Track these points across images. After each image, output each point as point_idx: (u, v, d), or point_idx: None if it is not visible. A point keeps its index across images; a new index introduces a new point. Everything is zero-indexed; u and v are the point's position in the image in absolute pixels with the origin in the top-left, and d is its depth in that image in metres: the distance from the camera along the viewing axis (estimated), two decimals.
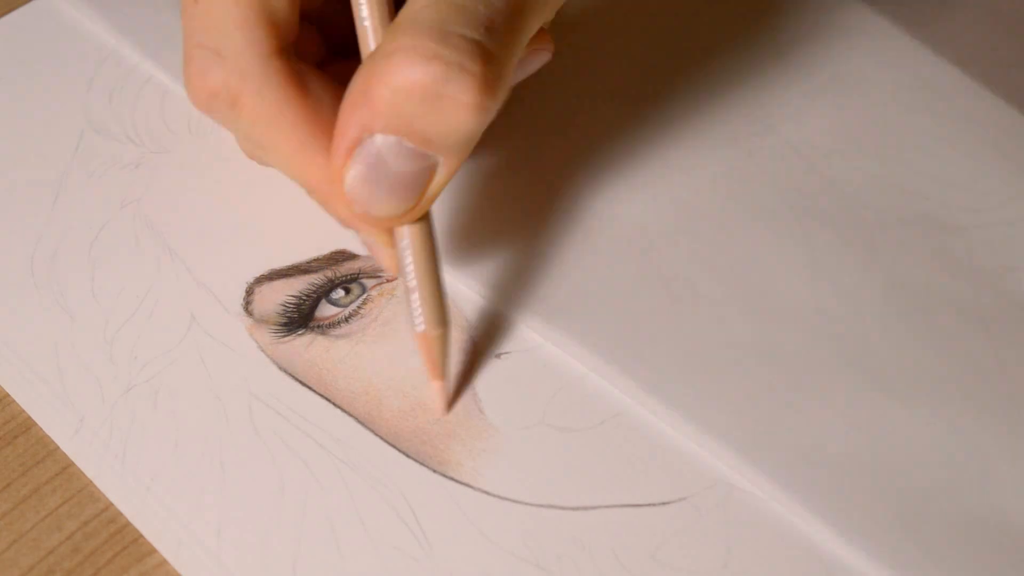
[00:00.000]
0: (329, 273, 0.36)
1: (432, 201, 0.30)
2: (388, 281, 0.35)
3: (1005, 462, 0.32)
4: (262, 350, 0.34)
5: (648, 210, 0.37)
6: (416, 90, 0.28)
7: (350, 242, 0.36)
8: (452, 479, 0.32)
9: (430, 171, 0.29)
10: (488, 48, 0.28)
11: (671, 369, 0.33)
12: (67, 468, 0.32)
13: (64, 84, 0.40)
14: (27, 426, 0.33)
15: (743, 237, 0.36)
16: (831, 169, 0.38)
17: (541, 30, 0.33)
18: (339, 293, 0.35)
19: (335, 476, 0.32)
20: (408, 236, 0.31)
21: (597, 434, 0.32)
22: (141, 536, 0.31)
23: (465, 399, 0.33)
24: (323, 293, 0.35)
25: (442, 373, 0.32)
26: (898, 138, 0.39)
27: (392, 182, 0.29)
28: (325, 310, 0.35)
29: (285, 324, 0.35)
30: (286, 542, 0.31)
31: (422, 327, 0.31)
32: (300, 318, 0.35)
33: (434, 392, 0.33)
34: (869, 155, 0.39)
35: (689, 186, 0.38)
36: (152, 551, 0.31)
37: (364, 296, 0.35)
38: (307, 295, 0.35)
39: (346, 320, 0.35)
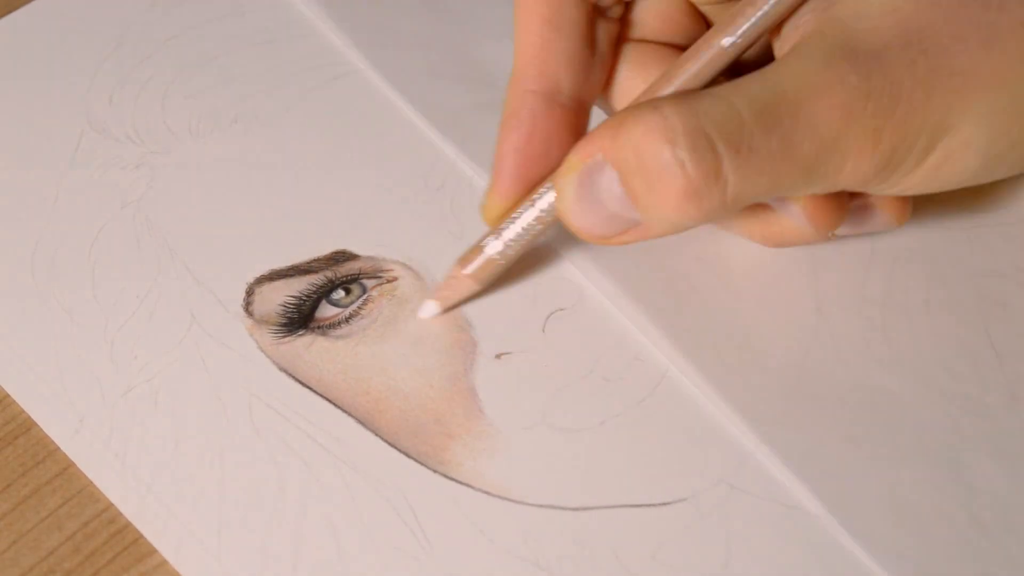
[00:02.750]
0: (329, 273, 0.36)
1: (624, 244, 0.31)
2: (388, 281, 0.35)
3: (986, 455, 0.32)
4: (262, 350, 0.34)
5: None
6: (644, 155, 0.28)
7: (350, 242, 0.36)
8: (452, 479, 0.32)
9: (629, 223, 0.30)
10: (722, 167, 0.28)
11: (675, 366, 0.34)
12: (67, 468, 0.32)
13: (64, 85, 0.40)
14: (27, 426, 0.33)
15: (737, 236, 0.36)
16: None
17: (904, 200, 0.33)
18: (339, 293, 0.35)
19: (335, 476, 0.32)
20: (537, 215, 0.33)
21: (597, 434, 0.32)
22: (141, 536, 0.31)
23: (465, 399, 0.33)
24: (323, 293, 0.35)
25: (443, 301, 0.34)
26: None
27: (596, 208, 0.30)
28: (325, 310, 0.35)
29: (285, 324, 0.35)
30: (286, 542, 0.31)
31: (468, 271, 0.34)
32: (300, 318, 0.35)
33: (427, 303, 0.35)
34: None
35: None
36: (152, 551, 0.31)
37: (364, 296, 0.35)
38: (307, 295, 0.35)
39: (347, 320, 0.35)
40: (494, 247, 0.33)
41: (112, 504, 0.32)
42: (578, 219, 0.31)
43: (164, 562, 0.31)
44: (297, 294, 0.35)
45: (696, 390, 0.33)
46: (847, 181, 0.29)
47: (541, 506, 0.31)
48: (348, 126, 0.39)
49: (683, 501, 0.31)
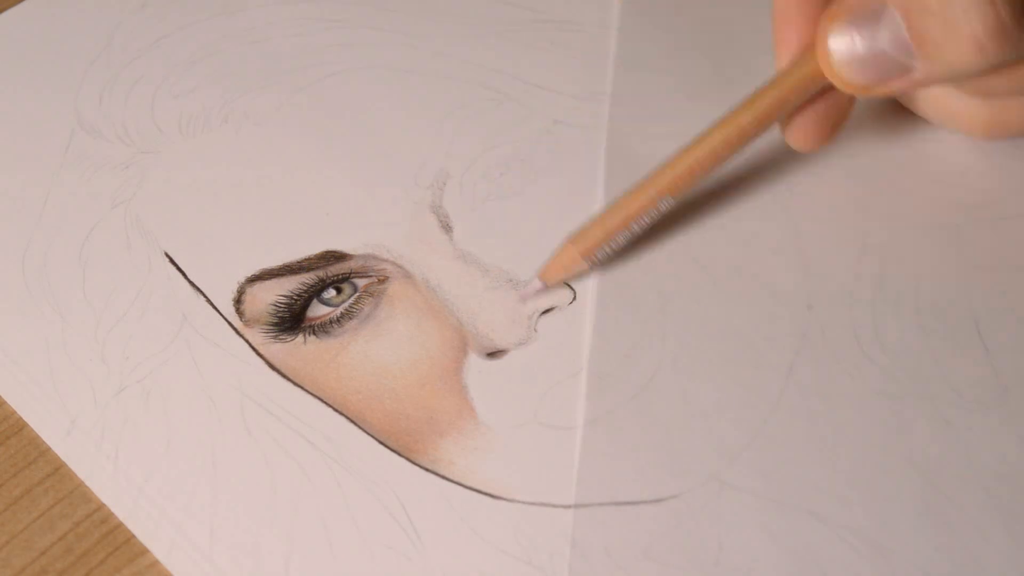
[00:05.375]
0: (320, 273, 0.36)
1: (878, 95, 0.31)
2: (379, 281, 0.35)
3: (990, 452, 0.32)
4: (254, 350, 0.34)
5: None
6: None
7: (341, 242, 0.36)
8: (444, 478, 0.32)
9: (902, 68, 0.30)
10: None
11: (666, 365, 0.34)
12: (59, 469, 0.32)
13: (54, 85, 0.40)
14: (19, 427, 0.33)
15: (736, 219, 0.36)
16: (820, 164, 0.38)
17: None
18: (331, 293, 0.35)
19: (327, 475, 0.32)
20: (648, 188, 0.34)
21: (589, 432, 0.33)
22: (133, 536, 0.31)
23: (457, 398, 0.33)
24: (315, 293, 0.35)
25: (551, 279, 0.35)
26: (888, 135, 0.39)
27: (870, 51, 0.30)
28: (317, 310, 0.35)
29: (277, 324, 0.35)
30: (279, 541, 0.31)
31: (583, 249, 0.34)
32: (292, 318, 0.35)
33: (531, 286, 0.35)
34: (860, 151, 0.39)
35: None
36: (144, 551, 0.31)
37: (356, 296, 0.35)
38: (299, 295, 0.35)
39: (338, 320, 0.35)
40: (619, 236, 0.34)
41: (104, 504, 0.32)
42: (850, 68, 0.31)
43: (156, 562, 0.31)
44: (288, 293, 0.35)
45: (686, 388, 0.33)
46: None
47: (533, 504, 0.31)
48: (338, 125, 0.39)
49: (674, 498, 0.31)
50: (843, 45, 0.31)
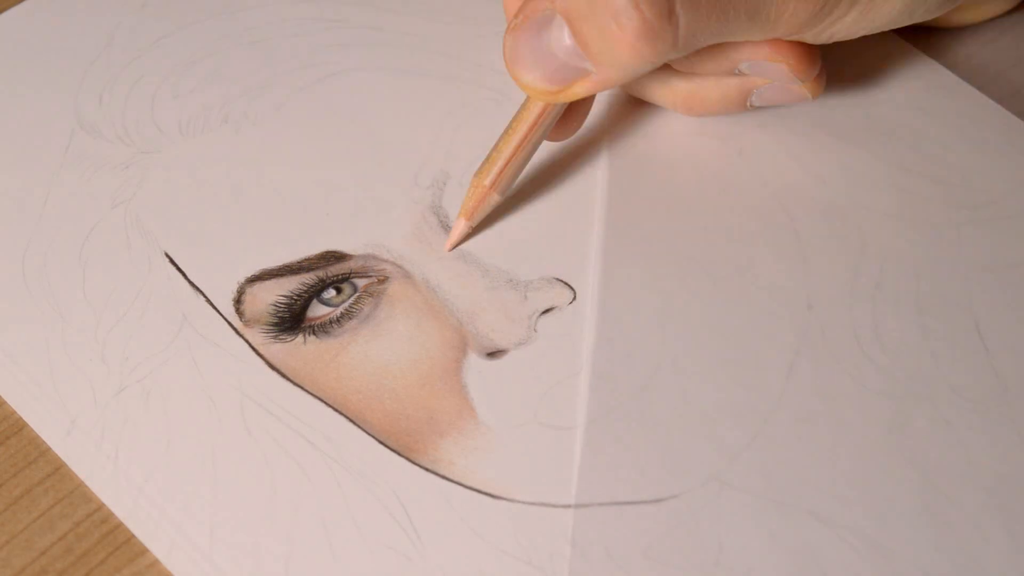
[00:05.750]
0: (320, 273, 0.36)
1: (570, 98, 0.33)
2: (379, 281, 0.35)
3: (988, 453, 0.32)
4: (254, 350, 0.34)
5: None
6: (600, 1, 0.30)
7: (341, 242, 0.36)
8: (444, 477, 0.32)
9: (581, 72, 0.31)
10: (675, 10, 0.29)
11: (665, 365, 0.34)
12: (59, 469, 0.32)
13: (54, 85, 0.40)
14: (19, 427, 0.33)
15: (735, 219, 0.37)
16: (819, 165, 0.38)
17: (820, 74, 0.35)
18: (331, 293, 0.35)
19: (327, 475, 0.32)
20: (530, 108, 0.34)
21: (589, 432, 0.33)
22: (133, 536, 0.31)
23: (457, 398, 0.33)
24: (314, 293, 0.35)
25: (470, 216, 0.36)
26: (890, 134, 0.39)
27: (543, 58, 0.32)
28: (317, 310, 0.35)
29: (277, 324, 0.35)
30: (279, 542, 0.31)
31: (487, 180, 0.35)
32: (292, 318, 0.35)
33: (456, 227, 0.36)
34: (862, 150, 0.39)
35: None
36: (144, 551, 0.31)
37: (356, 296, 0.35)
38: (298, 295, 0.35)
39: (338, 320, 0.35)
40: (507, 150, 0.35)
41: (104, 504, 0.32)
42: (527, 73, 0.32)
43: (156, 562, 0.31)
44: (288, 294, 0.35)
45: (686, 388, 0.33)
46: (787, 26, 0.32)
47: (533, 504, 0.31)
48: (338, 125, 0.39)
49: (674, 498, 0.31)
50: (522, 56, 0.32)
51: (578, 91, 0.32)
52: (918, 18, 0.34)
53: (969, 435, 0.32)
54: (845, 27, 0.33)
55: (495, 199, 0.36)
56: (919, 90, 0.40)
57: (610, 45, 0.30)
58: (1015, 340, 0.34)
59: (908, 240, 0.36)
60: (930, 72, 0.41)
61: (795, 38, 0.33)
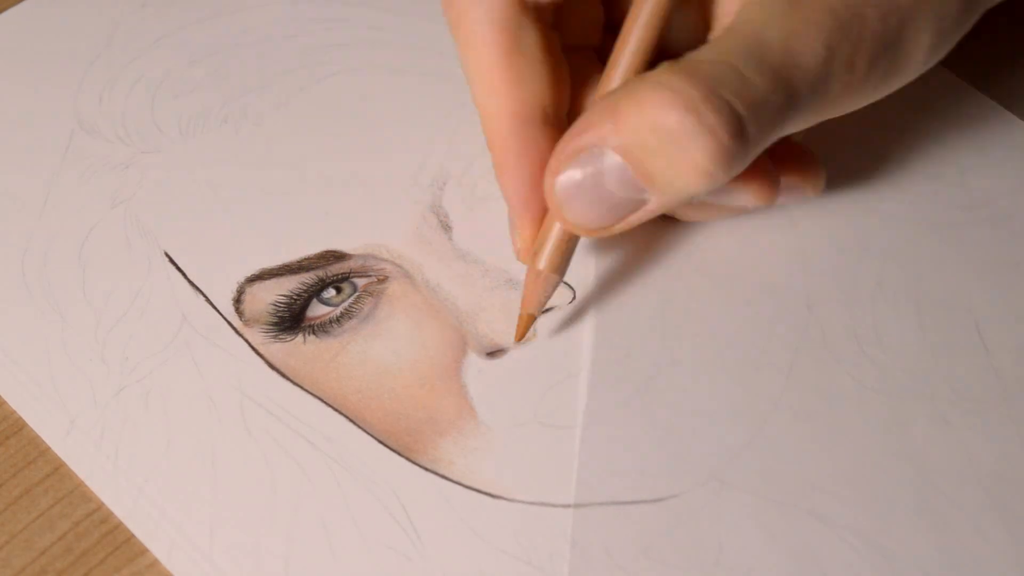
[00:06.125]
0: (320, 272, 0.36)
1: (623, 230, 0.31)
2: (379, 280, 0.35)
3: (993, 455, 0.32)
4: (254, 350, 0.34)
5: None
6: (663, 131, 0.28)
7: (341, 241, 0.36)
8: (444, 477, 0.32)
9: (639, 204, 0.30)
10: (744, 125, 0.28)
11: (663, 365, 0.34)
12: (59, 469, 0.32)
13: (54, 84, 0.40)
14: (19, 427, 0.33)
15: (735, 219, 0.37)
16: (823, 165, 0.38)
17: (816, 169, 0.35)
18: (330, 292, 0.35)
19: (327, 475, 0.32)
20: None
21: (589, 432, 0.33)
22: (133, 536, 0.31)
23: (456, 398, 0.33)
24: (314, 292, 0.35)
25: (534, 307, 0.33)
26: (890, 134, 0.39)
27: (600, 198, 0.30)
28: (317, 309, 0.35)
29: (276, 324, 0.35)
30: (278, 541, 0.31)
31: (542, 265, 0.32)
32: (291, 318, 0.35)
33: (521, 323, 0.33)
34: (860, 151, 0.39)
35: None
36: (144, 551, 0.31)
37: (355, 295, 0.35)
38: (298, 295, 0.35)
39: (337, 320, 0.35)
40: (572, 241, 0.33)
41: (104, 504, 0.32)
42: (581, 215, 0.30)
43: (156, 562, 0.31)
44: (288, 293, 0.35)
45: (686, 388, 0.33)
46: (831, 106, 0.31)
47: (533, 504, 0.31)
48: (338, 125, 0.39)
49: (674, 498, 0.31)
50: (573, 199, 0.30)
51: (633, 222, 0.31)
52: (931, 64, 0.33)
53: (969, 435, 0.32)
54: (870, 93, 0.32)
55: (555, 280, 0.33)
56: (919, 90, 0.40)
57: (679, 174, 0.29)
58: (1015, 340, 0.34)
59: (908, 240, 0.36)
60: (930, 72, 0.41)
61: (843, 111, 0.32)
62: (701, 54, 0.29)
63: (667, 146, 0.28)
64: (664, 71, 0.29)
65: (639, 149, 0.29)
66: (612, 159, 0.29)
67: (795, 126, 0.30)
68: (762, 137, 0.29)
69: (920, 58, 0.32)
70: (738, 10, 0.30)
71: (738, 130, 0.28)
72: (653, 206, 0.30)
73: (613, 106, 0.29)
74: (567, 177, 0.30)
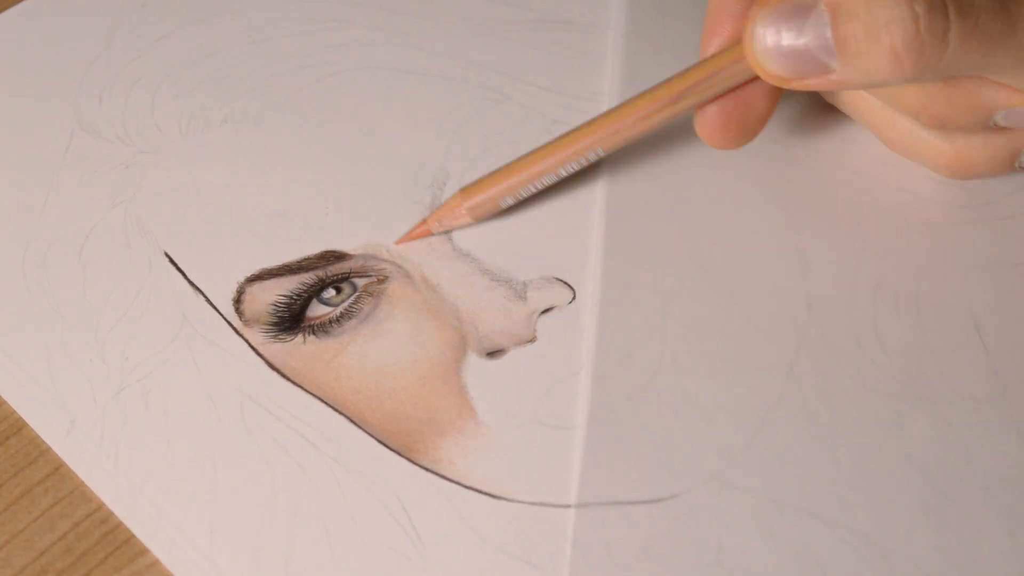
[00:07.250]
0: (320, 272, 0.36)
1: (796, 89, 0.31)
2: (379, 280, 0.35)
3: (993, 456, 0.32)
4: (254, 350, 0.34)
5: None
6: (880, 3, 0.29)
7: (341, 241, 0.36)
8: (444, 477, 0.32)
9: (823, 68, 0.30)
10: (949, 30, 0.29)
11: (665, 364, 0.34)
12: (59, 469, 0.32)
13: (54, 85, 0.40)
14: (19, 427, 0.33)
15: (735, 219, 0.36)
16: (819, 164, 0.38)
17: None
18: (330, 292, 0.35)
19: (327, 475, 0.32)
20: (556, 151, 0.35)
21: (589, 432, 0.33)
22: (133, 536, 0.31)
23: (457, 398, 0.33)
24: (314, 292, 0.35)
25: (436, 226, 0.36)
26: None
27: (792, 43, 0.30)
28: (317, 309, 0.35)
29: (276, 324, 0.35)
30: (278, 541, 0.31)
31: (469, 205, 0.35)
32: (291, 318, 0.35)
33: (416, 227, 0.36)
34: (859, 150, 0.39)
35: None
36: (144, 551, 0.31)
37: (355, 295, 0.35)
38: (298, 295, 0.35)
39: (337, 320, 0.35)
40: (504, 183, 0.35)
41: (104, 504, 0.32)
42: (771, 58, 0.31)
43: (156, 562, 0.31)
44: (288, 293, 0.35)
45: (686, 388, 0.33)
46: None
47: (533, 504, 0.31)
48: (338, 125, 0.39)
49: (674, 498, 0.31)
50: (768, 34, 0.31)
51: (810, 85, 0.31)
52: None
53: (969, 435, 0.32)
54: None
55: (465, 221, 0.36)
56: None
57: (871, 48, 0.29)
58: (1015, 340, 0.34)
59: (908, 240, 0.36)
60: None
61: None
62: None
63: (870, 17, 0.29)
64: None
65: (845, 11, 0.29)
66: (820, 12, 0.30)
67: (1012, 73, 0.30)
68: (963, 56, 0.29)
69: None
70: None
71: (941, 31, 0.28)
72: (836, 77, 0.30)
73: None
74: (773, 13, 0.30)
